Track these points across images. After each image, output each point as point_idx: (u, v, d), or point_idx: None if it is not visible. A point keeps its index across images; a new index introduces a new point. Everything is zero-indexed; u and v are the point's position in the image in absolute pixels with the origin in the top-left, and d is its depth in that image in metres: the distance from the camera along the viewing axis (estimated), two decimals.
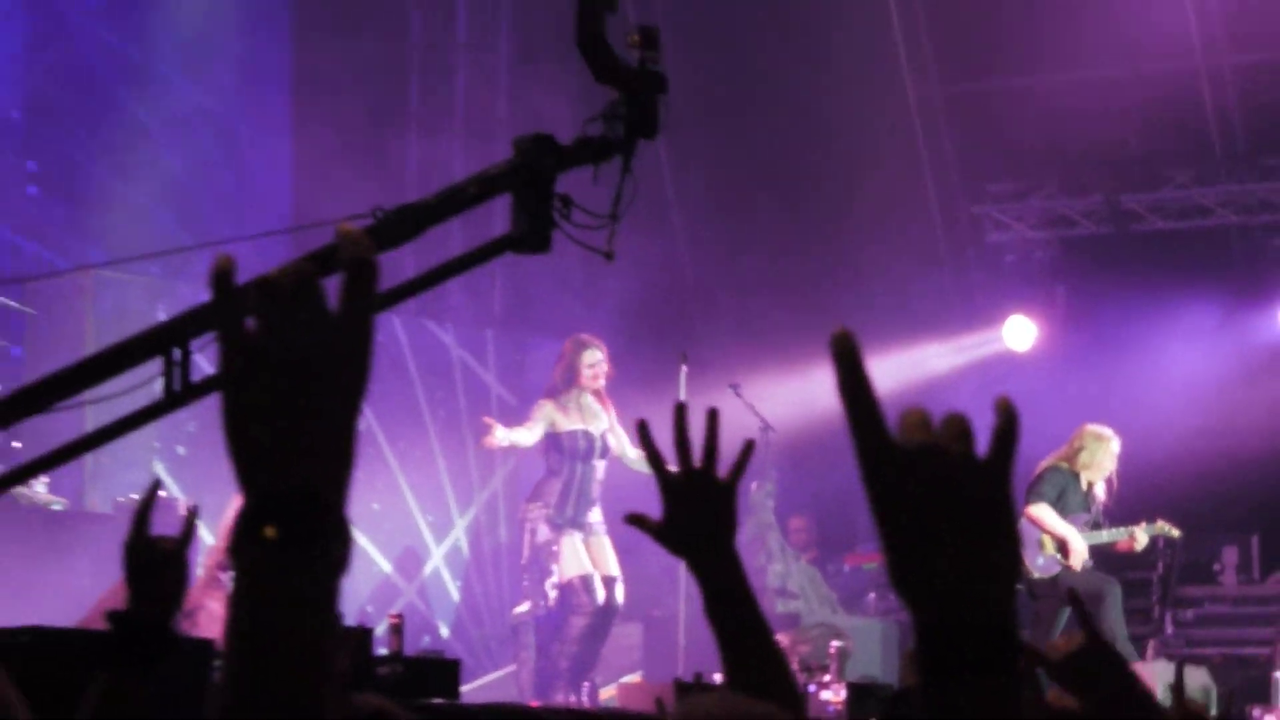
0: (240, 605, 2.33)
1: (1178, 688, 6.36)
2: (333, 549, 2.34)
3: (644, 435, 4.59)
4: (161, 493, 5.96)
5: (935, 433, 2.38)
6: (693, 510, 4.45)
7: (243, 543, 2.29)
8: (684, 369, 18.07)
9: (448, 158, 21.86)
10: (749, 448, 4.58)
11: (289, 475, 2.34)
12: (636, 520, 4.86)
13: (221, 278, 2.35)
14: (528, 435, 17.92)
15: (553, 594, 16.82)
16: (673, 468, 4.54)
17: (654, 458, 4.51)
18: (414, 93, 22.70)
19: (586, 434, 18.01)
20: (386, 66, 22.04)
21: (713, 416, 4.52)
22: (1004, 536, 2.40)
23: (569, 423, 17.91)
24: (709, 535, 4.49)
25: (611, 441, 18.18)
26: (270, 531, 2.28)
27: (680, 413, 4.50)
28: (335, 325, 2.35)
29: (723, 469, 4.45)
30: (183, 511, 7.61)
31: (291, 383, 2.35)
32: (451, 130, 22.46)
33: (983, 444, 2.39)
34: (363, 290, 2.36)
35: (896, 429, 2.37)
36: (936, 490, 2.37)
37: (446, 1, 22.90)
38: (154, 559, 5.09)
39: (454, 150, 22.09)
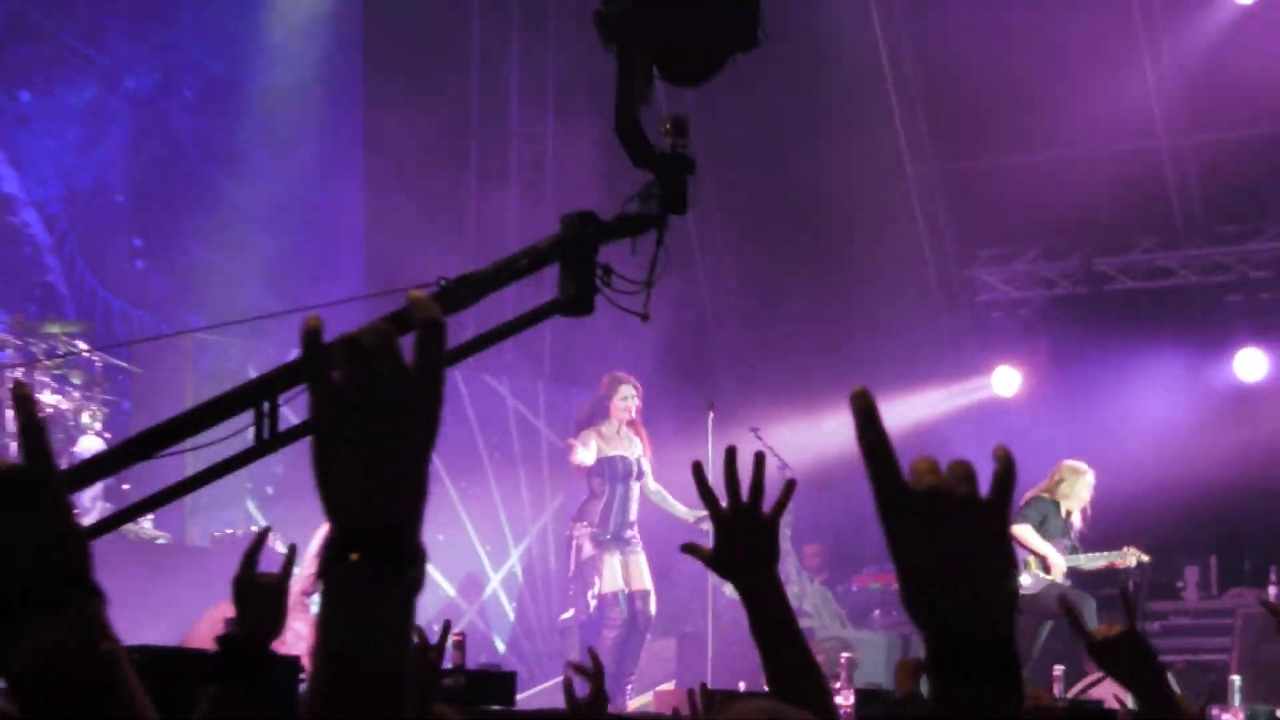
0: (328, 622, 2.41)
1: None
2: (408, 572, 2.41)
3: (699, 475, 4.75)
4: (274, 543, 6.22)
5: (942, 477, 2.47)
6: (741, 541, 4.56)
7: (331, 568, 2.38)
8: (711, 415, 17.98)
9: (501, 219, 21.86)
10: (789, 487, 4.68)
11: (371, 509, 2.41)
12: (691, 549, 5.03)
13: (312, 336, 2.43)
14: (588, 455, 17.89)
15: (593, 603, 17.01)
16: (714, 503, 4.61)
17: (706, 495, 4.61)
18: (473, 158, 22.45)
19: (624, 459, 18.04)
20: (450, 134, 21.85)
21: (758, 462, 4.60)
22: (1003, 567, 2.51)
23: (610, 449, 17.98)
24: (755, 563, 4.59)
25: (645, 467, 18.28)
26: (355, 557, 2.35)
27: (730, 457, 4.58)
28: (410, 379, 2.41)
29: (766, 505, 4.56)
30: (279, 548, 7.85)
31: (373, 429, 2.41)
32: (505, 192, 22.30)
33: (982, 485, 2.50)
34: (433, 348, 2.43)
35: (908, 474, 2.47)
36: (944, 528, 2.46)
37: (500, 79, 22.71)
38: (259, 592, 5.34)
39: (507, 209, 22.03)
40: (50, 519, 2.27)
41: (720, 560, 4.59)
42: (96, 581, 2.28)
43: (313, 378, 2.38)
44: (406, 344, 2.48)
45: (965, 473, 2.41)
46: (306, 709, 2.43)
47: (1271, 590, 16.34)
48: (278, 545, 7.65)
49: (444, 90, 21.81)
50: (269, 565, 5.85)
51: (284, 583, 5.19)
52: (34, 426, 2.30)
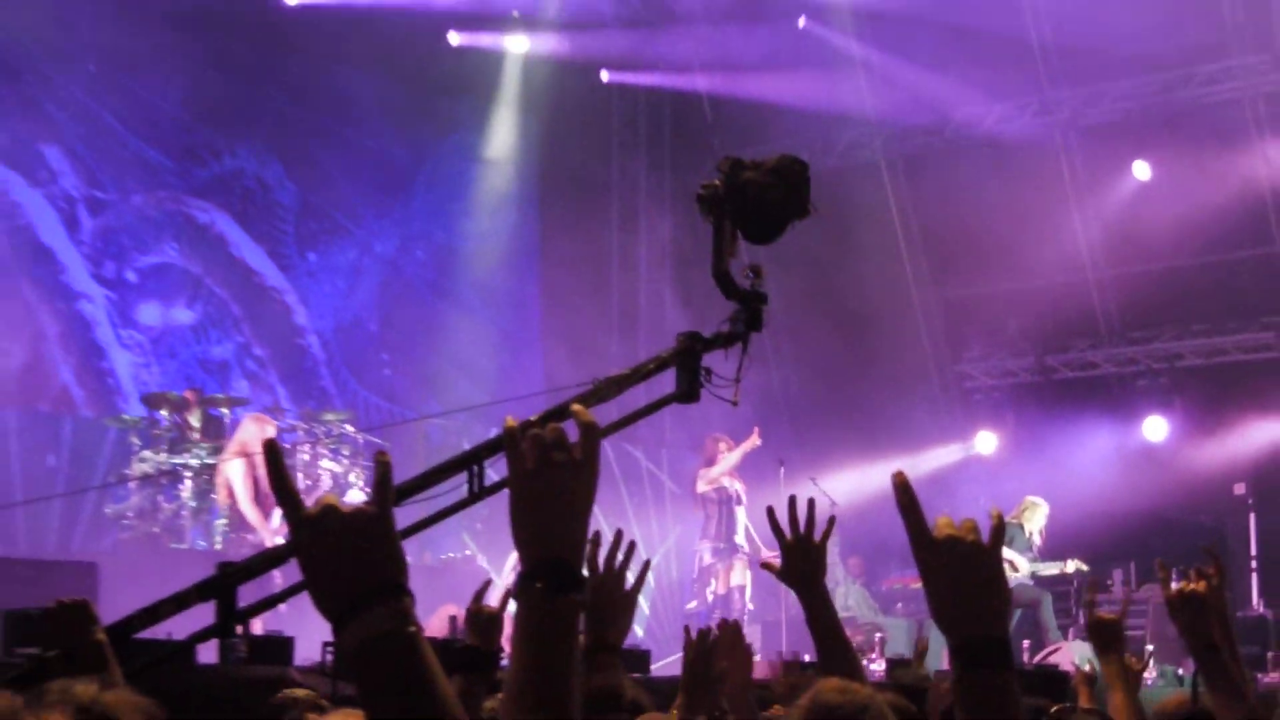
0: (521, 630, 2.55)
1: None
2: (574, 594, 2.54)
3: (772, 517, 4.86)
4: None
5: (956, 529, 2.74)
6: (800, 562, 4.67)
7: (521, 591, 2.54)
8: (781, 469, 17.51)
9: (634, 335, 21.69)
10: (831, 522, 4.80)
11: (548, 548, 2.56)
12: (766, 566, 5.37)
13: (509, 430, 2.57)
14: (705, 485, 17.34)
15: (710, 598, 16.80)
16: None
17: (777, 529, 4.74)
18: (614, 295, 22.35)
19: (726, 489, 17.27)
20: (598, 281, 21.77)
21: (811, 506, 4.75)
22: (998, 589, 2.76)
23: (722, 481, 17.23)
24: (810, 576, 4.69)
25: (743, 498, 17.45)
26: (539, 585, 2.52)
27: (792, 503, 4.74)
28: (575, 460, 2.54)
29: (816, 535, 4.73)
30: (496, 581, 7.68)
31: (549, 493, 2.55)
32: (637, 316, 22.30)
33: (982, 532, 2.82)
34: (589, 441, 2.57)
35: (932, 526, 2.75)
36: (958, 565, 2.73)
37: (632, 243, 22.58)
38: (484, 618, 5.32)
39: (638, 329, 21.93)
40: (386, 543, 2.36)
41: (786, 575, 4.76)
42: (408, 586, 2.39)
43: (510, 458, 2.58)
44: (570, 426, 2.69)
45: (972, 526, 2.75)
46: (506, 689, 2.63)
47: (1173, 585, 16.24)
48: (495, 581, 6.93)
49: (594, 250, 21.77)
50: (469, 584, 6.00)
51: (500, 611, 5.18)
52: (382, 483, 2.41)
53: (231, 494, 14.67)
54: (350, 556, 2.34)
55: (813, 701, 3.71)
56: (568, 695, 2.56)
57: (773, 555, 5.00)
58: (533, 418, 2.91)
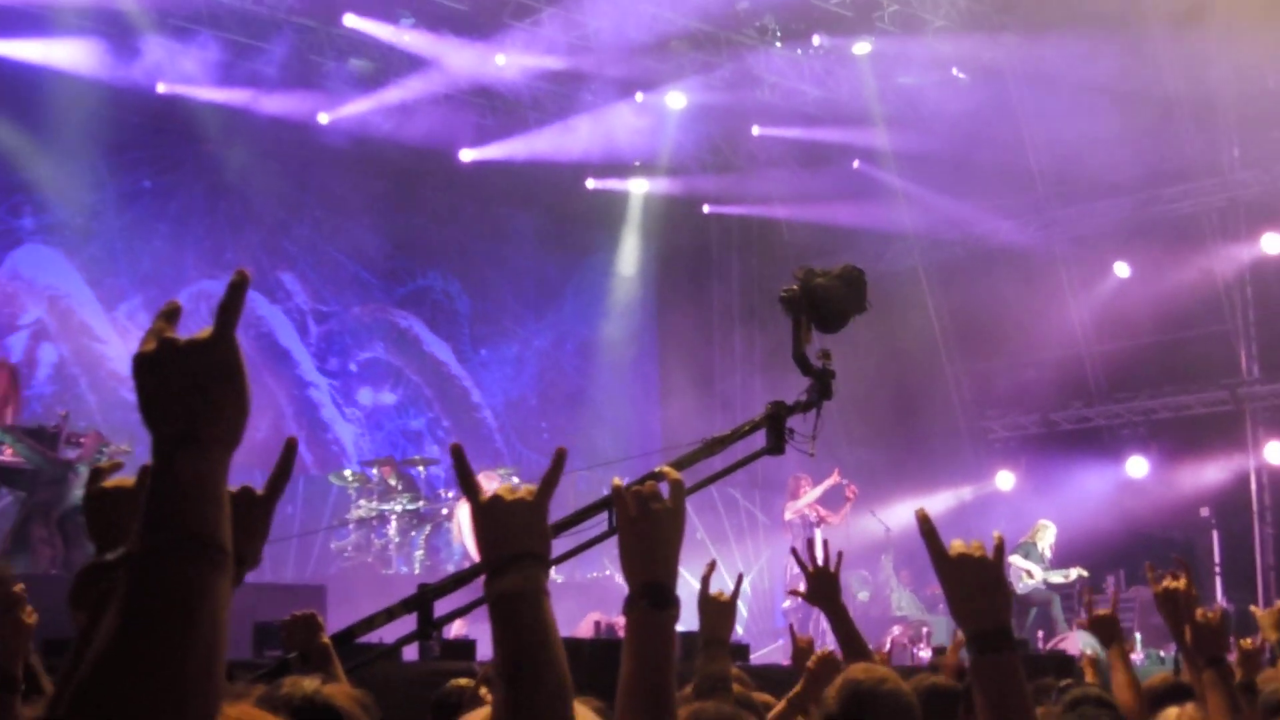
0: (630, 639, 2.58)
1: None
2: (670, 611, 2.56)
3: (796, 556, 5.04)
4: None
5: (966, 547, 2.75)
6: (821, 586, 4.81)
7: (630, 609, 2.55)
8: (847, 505, 17.16)
9: (733, 406, 21.13)
10: (839, 557, 4.89)
11: (651, 575, 2.56)
12: (795, 593, 5.49)
13: (617, 490, 2.64)
14: (790, 514, 17.19)
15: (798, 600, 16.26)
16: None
17: (801, 564, 4.90)
18: (717, 379, 22.16)
19: (806, 516, 16.88)
20: (705, 371, 21.74)
21: (826, 546, 4.96)
22: (1000, 590, 2.76)
23: (804, 510, 16.83)
24: (829, 597, 4.80)
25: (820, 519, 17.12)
26: (644, 603, 2.54)
27: (810, 545, 4.92)
28: (670, 510, 2.58)
29: (831, 567, 4.89)
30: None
31: (649, 532, 2.57)
32: (733, 396, 21.88)
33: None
34: (678, 493, 2.61)
35: (949, 546, 2.76)
36: (968, 574, 2.73)
37: (729, 342, 22.38)
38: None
39: (734, 404, 21.36)
40: (535, 523, 2.30)
41: (811, 596, 4.89)
42: (548, 556, 2.34)
43: (618, 508, 2.62)
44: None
45: (979, 545, 2.77)
46: (621, 685, 2.58)
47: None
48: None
49: (699, 342, 21.84)
50: (610, 597, 5.66)
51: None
52: (547, 482, 2.37)
53: (460, 530, 15.59)
54: (504, 531, 2.31)
55: (845, 679, 3.84)
56: (668, 688, 2.59)
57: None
58: (633, 482, 2.81)
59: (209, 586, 1.63)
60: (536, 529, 2.35)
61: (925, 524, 2.78)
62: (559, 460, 2.42)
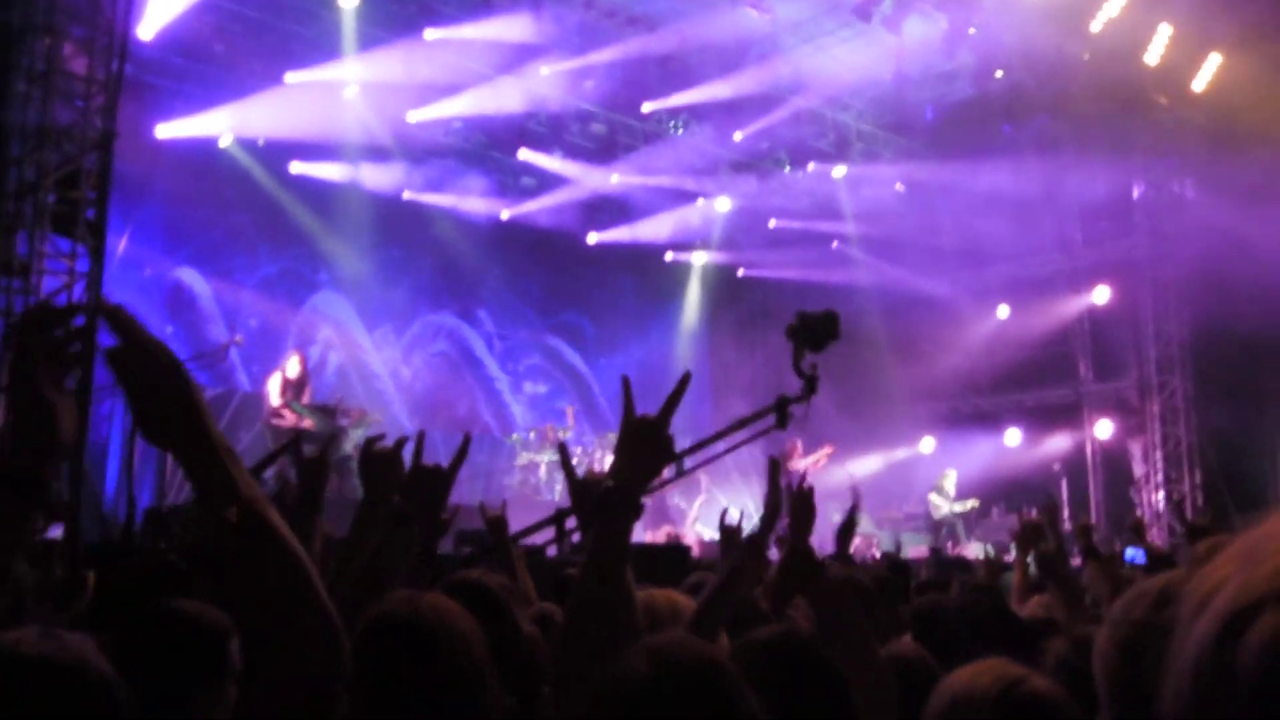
0: (591, 547, 1.85)
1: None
2: (631, 517, 1.87)
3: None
4: None
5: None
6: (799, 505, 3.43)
7: (591, 516, 1.93)
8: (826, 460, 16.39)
9: (754, 391, 20.00)
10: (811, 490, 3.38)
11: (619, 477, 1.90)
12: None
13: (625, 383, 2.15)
14: (803, 466, 15.66)
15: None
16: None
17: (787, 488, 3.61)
18: (746, 378, 20.95)
19: (799, 471, 15.66)
20: (738, 368, 20.99)
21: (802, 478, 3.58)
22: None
23: (794, 469, 15.79)
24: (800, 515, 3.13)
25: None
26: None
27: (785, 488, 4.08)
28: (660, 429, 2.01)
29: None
30: None
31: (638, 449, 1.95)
32: (755, 381, 20.35)
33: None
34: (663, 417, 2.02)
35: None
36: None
37: (749, 347, 21.34)
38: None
39: (755, 388, 20.14)
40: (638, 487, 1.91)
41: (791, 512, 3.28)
42: (638, 511, 1.88)
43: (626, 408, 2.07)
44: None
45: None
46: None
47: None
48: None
49: (733, 360, 21.16)
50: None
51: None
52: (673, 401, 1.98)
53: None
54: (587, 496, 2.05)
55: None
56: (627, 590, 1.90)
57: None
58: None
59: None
60: (633, 488, 1.90)
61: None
62: (683, 383, 2.02)
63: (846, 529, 4.11)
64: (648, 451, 1.97)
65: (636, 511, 1.90)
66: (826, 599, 2.48)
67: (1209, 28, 14.80)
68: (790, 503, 2.78)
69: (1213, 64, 15.40)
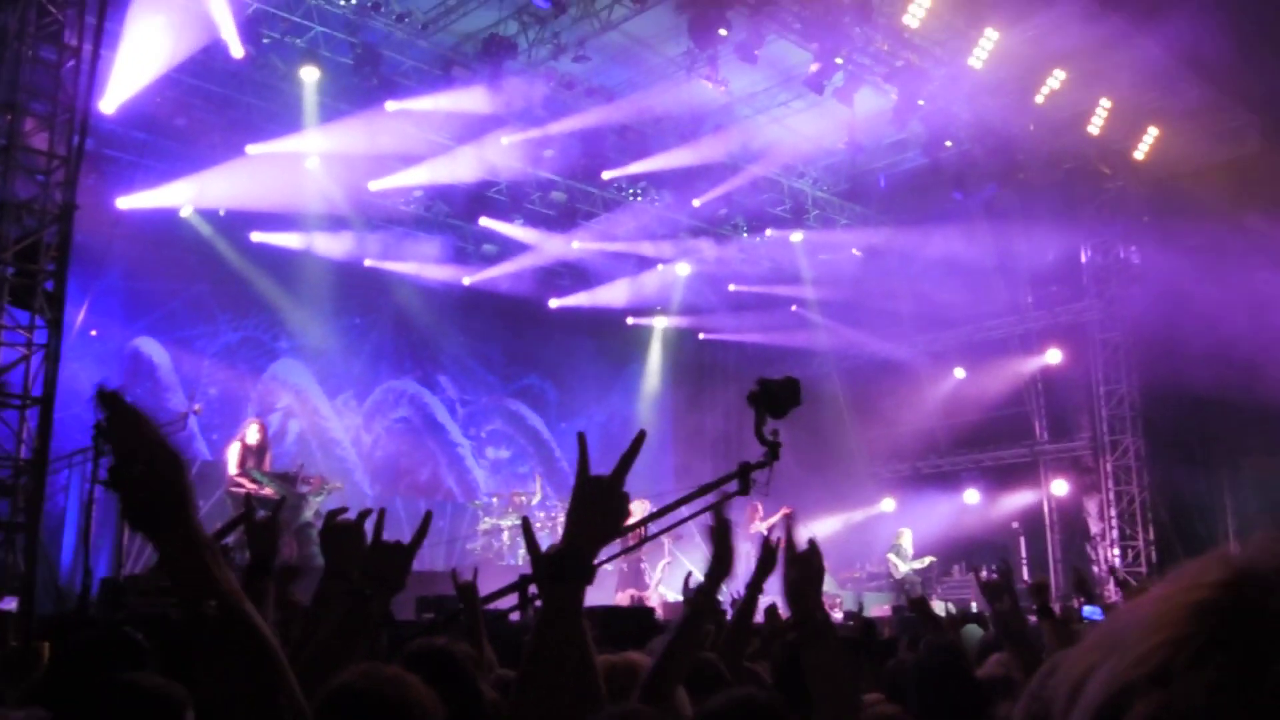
0: (542, 613, 1.78)
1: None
2: (582, 581, 1.78)
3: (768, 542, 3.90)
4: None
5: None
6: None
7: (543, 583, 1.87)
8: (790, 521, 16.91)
9: (715, 454, 20.22)
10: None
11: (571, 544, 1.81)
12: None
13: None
14: (760, 528, 15.52)
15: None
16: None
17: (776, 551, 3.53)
18: (708, 436, 20.86)
19: (760, 535, 16.34)
20: (700, 430, 20.76)
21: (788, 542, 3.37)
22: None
23: (756, 531, 15.63)
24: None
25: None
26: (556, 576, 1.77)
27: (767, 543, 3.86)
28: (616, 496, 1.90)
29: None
30: None
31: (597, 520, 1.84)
32: (715, 445, 20.77)
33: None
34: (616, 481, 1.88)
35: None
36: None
37: (714, 410, 21.26)
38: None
39: (716, 451, 20.35)
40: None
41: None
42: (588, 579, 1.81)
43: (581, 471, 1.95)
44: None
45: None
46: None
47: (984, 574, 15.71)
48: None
49: (694, 424, 21.09)
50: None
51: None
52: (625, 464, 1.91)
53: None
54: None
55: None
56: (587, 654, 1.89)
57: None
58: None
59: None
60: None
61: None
62: (637, 442, 1.93)
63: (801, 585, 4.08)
64: (601, 513, 1.88)
65: (588, 576, 1.82)
66: (828, 662, 2.48)
67: (1145, 102, 15.30)
68: (794, 567, 2.73)
69: (1151, 135, 15.86)
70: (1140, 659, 0.67)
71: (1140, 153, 16.00)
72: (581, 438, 2.00)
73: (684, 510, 3.49)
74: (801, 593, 2.65)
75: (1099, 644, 0.72)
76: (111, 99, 12.10)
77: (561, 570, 1.81)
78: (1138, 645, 0.68)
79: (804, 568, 2.68)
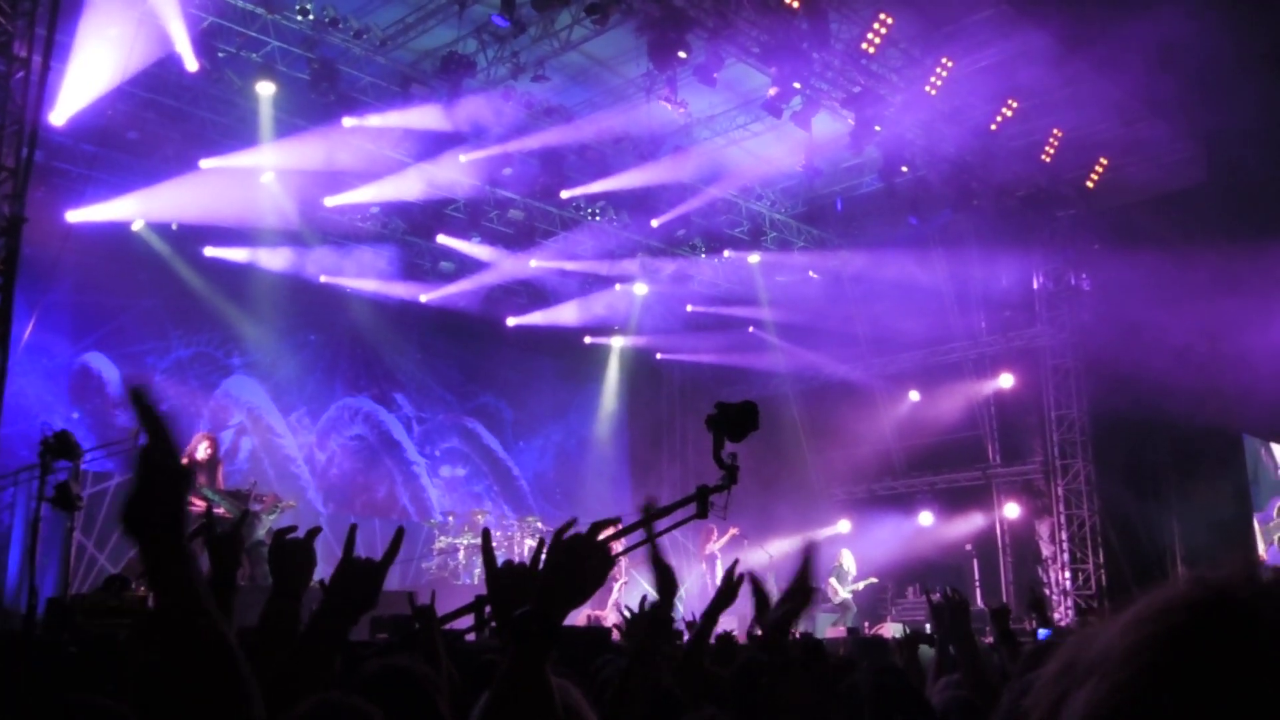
0: (504, 671, 1.65)
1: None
2: (547, 645, 1.61)
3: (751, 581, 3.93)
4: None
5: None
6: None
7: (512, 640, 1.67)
8: (745, 542, 16.20)
9: (672, 476, 20.74)
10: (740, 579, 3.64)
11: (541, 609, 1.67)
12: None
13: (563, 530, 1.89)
14: (715, 547, 16.23)
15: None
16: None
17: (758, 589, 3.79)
18: (664, 458, 21.33)
19: (717, 554, 16.20)
20: (656, 452, 21.06)
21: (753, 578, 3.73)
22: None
23: (711, 551, 16.49)
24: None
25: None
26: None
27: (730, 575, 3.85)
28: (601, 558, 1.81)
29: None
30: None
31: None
32: (678, 476, 21.11)
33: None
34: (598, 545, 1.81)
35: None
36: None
37: (671, 432, 21.56)
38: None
39: (673, 473, 20.86)
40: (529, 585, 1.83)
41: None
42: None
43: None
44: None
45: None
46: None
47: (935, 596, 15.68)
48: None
49: (651, 445, 20.98)
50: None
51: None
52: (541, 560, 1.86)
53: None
54: (508, 593, 2.02)
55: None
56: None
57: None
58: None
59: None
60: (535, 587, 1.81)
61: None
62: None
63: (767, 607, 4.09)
64: (576, 578, 1.76)
65: (553, 640, 1.69)
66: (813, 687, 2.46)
67: (1096, 133, 15.62)
68: (796, 599, 2.64)
69: (1101, 166, 16.18)
70: (1120, 685, 0.68)
71: (1091, 182, 16.30)
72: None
73: (640, 534, 3.57)
74: (790, 625, 2.60)
75: (1070, 668, 0.72)
76: (62, 111, 11.97)
77: (526, 632, 1.70)
78: (1117, 671, 0.68)
79: (803, 601, 2.62)
